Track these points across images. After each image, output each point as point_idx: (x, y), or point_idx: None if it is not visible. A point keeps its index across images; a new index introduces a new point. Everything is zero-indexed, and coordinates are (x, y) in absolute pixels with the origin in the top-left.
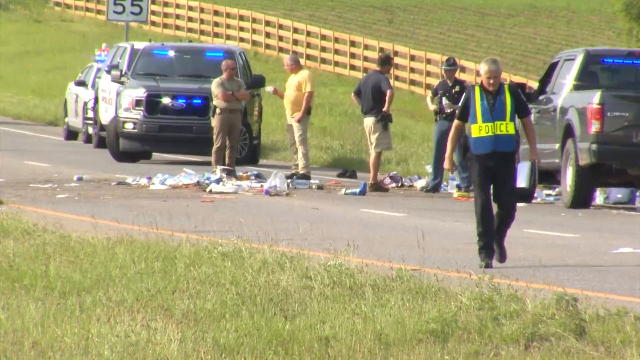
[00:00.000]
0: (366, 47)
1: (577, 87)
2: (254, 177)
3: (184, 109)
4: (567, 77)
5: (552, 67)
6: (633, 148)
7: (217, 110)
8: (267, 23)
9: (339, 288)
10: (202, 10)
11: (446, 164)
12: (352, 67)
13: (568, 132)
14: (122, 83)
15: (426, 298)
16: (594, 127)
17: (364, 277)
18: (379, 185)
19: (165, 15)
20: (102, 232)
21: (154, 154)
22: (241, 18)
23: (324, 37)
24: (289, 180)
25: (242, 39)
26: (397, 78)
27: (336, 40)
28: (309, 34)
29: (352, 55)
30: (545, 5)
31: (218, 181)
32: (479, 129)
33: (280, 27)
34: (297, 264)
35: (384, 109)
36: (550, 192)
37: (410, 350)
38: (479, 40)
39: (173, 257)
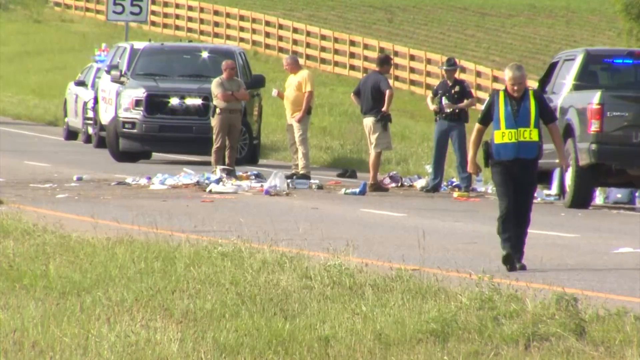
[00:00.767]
0: (366, 47)
1: (577, 87)
2: (253, 177)
3: (183, 109)
4: (567, 77)
5: (552, 67)
6: (633, 148)
7: (217, 110)
8: (267, 23)
9: (339, 288)
10: (201, 10)
11: (470, 168)
12: (352, 67)
13: (568, 132)
14: (121, 83)
15: (426, 298)
16: (594, 127)
17: (364, 277)
18: (379, 185)
19: (165, 15)
20: (102, 232)
21: (153, 154)
22: (241, 18)
23: (323, 37)
24: (288, 180)
25: (242, 39)
26: (397, 78)
27: (336, 40)
28: (308, 34)
29: (352, 55)
30: (545, 5)
31: (218, 181)
32: (502, 135)
33: (280, 27)
34: (297, 264)
35: (384, 109)
36: (550, 192)
37: (410, 350)
38: (478, 40)
39: (173, 257)
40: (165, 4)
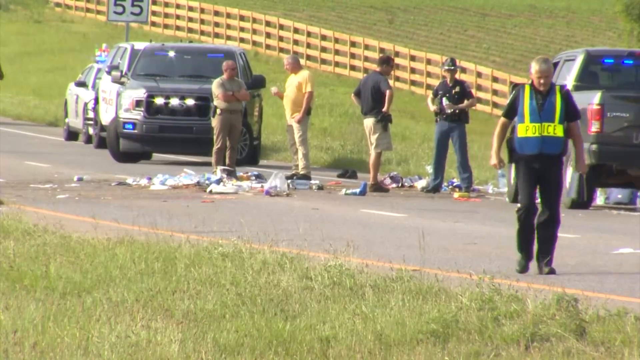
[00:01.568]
0: (366, 47)
1: (577, 88)
2: (254, 178)
3: (184, 109)
4: (568, 77)
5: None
6: (633, 148)
7: (218, 111)
8: (268, 23)
9: (339, 288)
10: (202, 10)
11: (493, 159)
12: (353, 68)
13: None
14: (122, 84)
15: (426, 298)
16: (594, 128)
17: (364, 278)
18: (380, 186)
19: (166, 15)
20: (102, 233)
21: (154, 154)
22: (241, 18)
23: (324, 38)
24: (289, 181)
25: (242, 40)
26: (397, 79)
27: (336, 40)
28: (309, 34)
29: (353, 56)
30: (545, 6)
31: (218, 182)
32: (525, 129)
33: (281, 27)
34: (297, 264)
35: (384, 109)
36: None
37: (411, 351)
38: (479, 40)
39: (173, 258)
40: (166, 5)
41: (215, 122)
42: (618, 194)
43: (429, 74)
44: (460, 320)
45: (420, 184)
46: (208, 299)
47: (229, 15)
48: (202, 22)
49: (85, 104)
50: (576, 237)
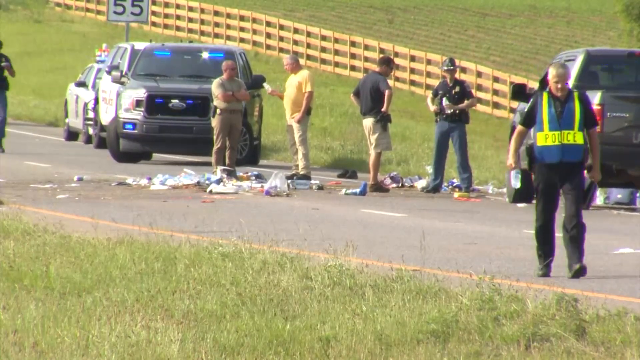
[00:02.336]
0: (366, 47)
1: (577, 88)
2: (254, 178)
3: (184, 109)
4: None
5: None
6: (633, 148)
7: (218, 111)
8: (268, 23)
9: (339, 288)
10: (202, 10)
11: (510, 158)
12: (352, 68)
13: None
14: (122, 84)
15: (427, 298)
16: None
17: (365, 278)
18: (380, 186)
19: (166, 15)
20: (102, 233)
21: (154, 154)
22: (241, 18)
23: (324, 38)
24: (289, 181)
25: (242, 40)
26: (397, 79)
27: (336, 40)
28: (309, 34)
29: (353, 56)
30: (545, 6)
31: (218, 182)
32: (545, 137)
33: (281, 27)
34: (297, 264)
35: (383, 109)
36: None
37: (411, 351)
38: (479, 40)
39: (173, 258)
40: (166, 5)
41: (215, 122)
42: (618, 194)
43: (428, 74)
44: (460, 320)
45: (420, 184)
46: (208, 299)
47: (229, 15)
48: (202, 22)
49: (85, 104)
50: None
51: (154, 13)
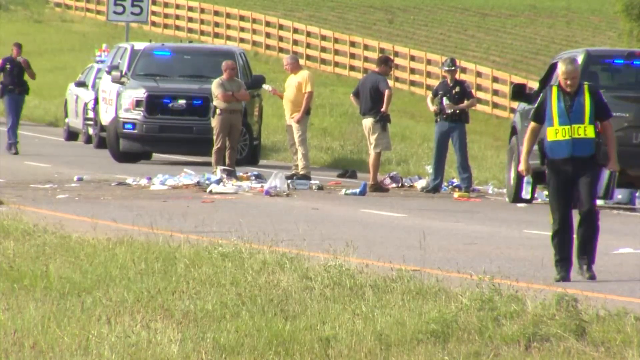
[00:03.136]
0: (366, 47)
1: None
2: (254, 178)
3: (184, 109)
4: None
5: (553, 68)
6: (633, 149)
7: (217, 111)
8: (267, 23)
9: (339, 289)
10: (202, 10)
11: (521, 166)
12: (352, 68)
13: None
14: (122, 83)
15: (426, 299)
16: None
17: (364, 278)
18: (379, 186)
19: (166, 15)
20: (102, 233)
21: (154, 154)
22: (241, 18)
23: (324, 38)
24: (289, 181)
25: (242, 40)
26: (397, 79)
27: (336, 40)
28: (309, 34)
29: (352, 56)
30: (545, 6)
31: (218, 182)
32: (555, 132)
33: (281, 27)
34: (297, 264)
35: (383, 109)
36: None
37: (411, 351)
38: (479, 40)
39: (173, 258)
40: (166, 5)
41: (215, 122)
42: (618, 194)
43: (428, 74)
44: (460, 320)
45: (420, 184)
46: (208, 299)
47: (228, 15)
48: (202, 22)
49: (85, 104)
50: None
51: (153, 13)
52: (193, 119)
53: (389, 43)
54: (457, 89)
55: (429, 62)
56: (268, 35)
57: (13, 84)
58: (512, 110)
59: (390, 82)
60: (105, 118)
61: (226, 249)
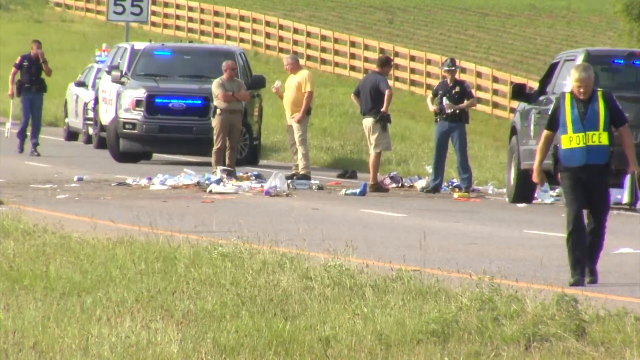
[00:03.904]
0: (366, 47)
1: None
2: (254, 178)
3: (184, 109)
4: (568, 77)
5: (553, 68)
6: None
7: (218, 111)
8: (268, 23)
9: (339, 289)
10: (202, 10)
11: (535, 177)
12: (352, 68)
13: None
14: (122, 83)
15: (427, 299)
16: None
17: (365, 278)
18: (379, 186)
19: (166, 15)
20: (102, 233)
21: (154, 154)
22: (241, 18)
23: (324, 38)
24: (289, 181)
25: (242, 40)
26: (397, 79)
27: (336, 40)
28: (309, 34)
29: (352, 56)
30: (545, 6)
31: (218, 182)
32: (569, 140)
33: (281, 27)
34: (297, 264)
35: (383, 109)
36: (551, 192)
37: (411, 351)
38: (479, 40)
39: (173, 258)
40: (166, 5)
41: (215, 122)
42: (618, 194)
43: (428, 74)
44: (460, 320)
45: (420, 184)
46: (208, 299)
47: (229, 15)
48: (202, 22)
49: (85, 104)
50: None
51: (153, 13)
52: (193, 119)
53: (389, 43)
54: (457, 89)
55: (429, 62)
56: (268, 35)
57: (30, 82)
58: (512, 110)
59: (390, 82)
60: (105, 118)
61: (226, 249)
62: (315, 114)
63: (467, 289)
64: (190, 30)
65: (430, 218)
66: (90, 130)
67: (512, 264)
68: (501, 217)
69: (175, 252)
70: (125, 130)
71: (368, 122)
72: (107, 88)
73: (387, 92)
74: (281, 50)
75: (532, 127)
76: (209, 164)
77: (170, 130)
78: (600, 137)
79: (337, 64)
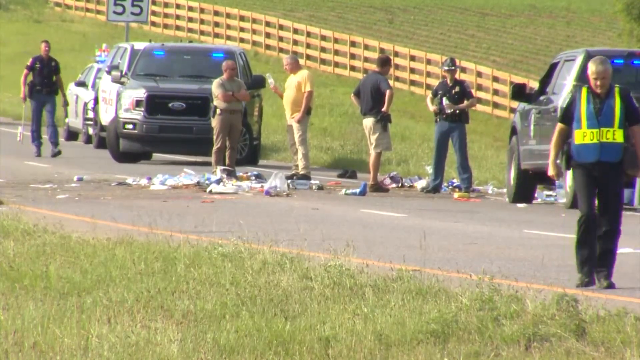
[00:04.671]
0: (366, 47)
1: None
2: (254, 178)
3: (184, 109)
4: (567, 77)
5: (553, 68)
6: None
7: (218, 111)
8: (267, 23)
9: (339, 289)
10: (202, 10)
11: (550, 170)
12: (352, 68)
13: None
14: (122, 83)
15: (426, 299)
16: None
17: (365, 278)
18: (379, 186)
19: (166, 15)
20: (102, 233)
21: (154, 154)
22: (241, 18)
23: (323, 38)
24: (289, 181)
25: (242, 40)
26: (397, 79)
27: (336, 40)
28: (309, 34)
29: (352, 56)
30: (545, 6)
31: (218, 182)
32: (582, 135)
33: (281, 27)
34: (297, 264)
35: (383, 109)
36: (550, 192)
37: (411, 351)
38: (479, 40)
39: (173, 258)
40: (166, 5)
41: (215, 122)
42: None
43: (428, 74)
44: (460, 320)
45: (420, 184)
46: (208, 299)
47: (228, 15)
48: (202, 22)
49: (85, 104)
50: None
51: (153, 13)
52: (193, 119)
53: (389, 43)
54: (457, 88)
55: (429, 62)
56: (268, 35)
57: (42, 84)
58: (512, 110)
59: (390, 82)
60: (105, 118)
61: (226, 249)
62: (315, 114)
63: (467, 289)
64: (190, 30)
65: (430, 218)
66: (90, 130)
67: (512, 264)
68: (501, 217)
69: (175, 252)
70: (125, 130)
71: (369, 122)
72: (107, 88)
73: (388, 92)
74: (281, 50)
75: (532, 127)
76: (209, 164)
77: (170, 130)
78: (615, 134)
79: (337, 64)
